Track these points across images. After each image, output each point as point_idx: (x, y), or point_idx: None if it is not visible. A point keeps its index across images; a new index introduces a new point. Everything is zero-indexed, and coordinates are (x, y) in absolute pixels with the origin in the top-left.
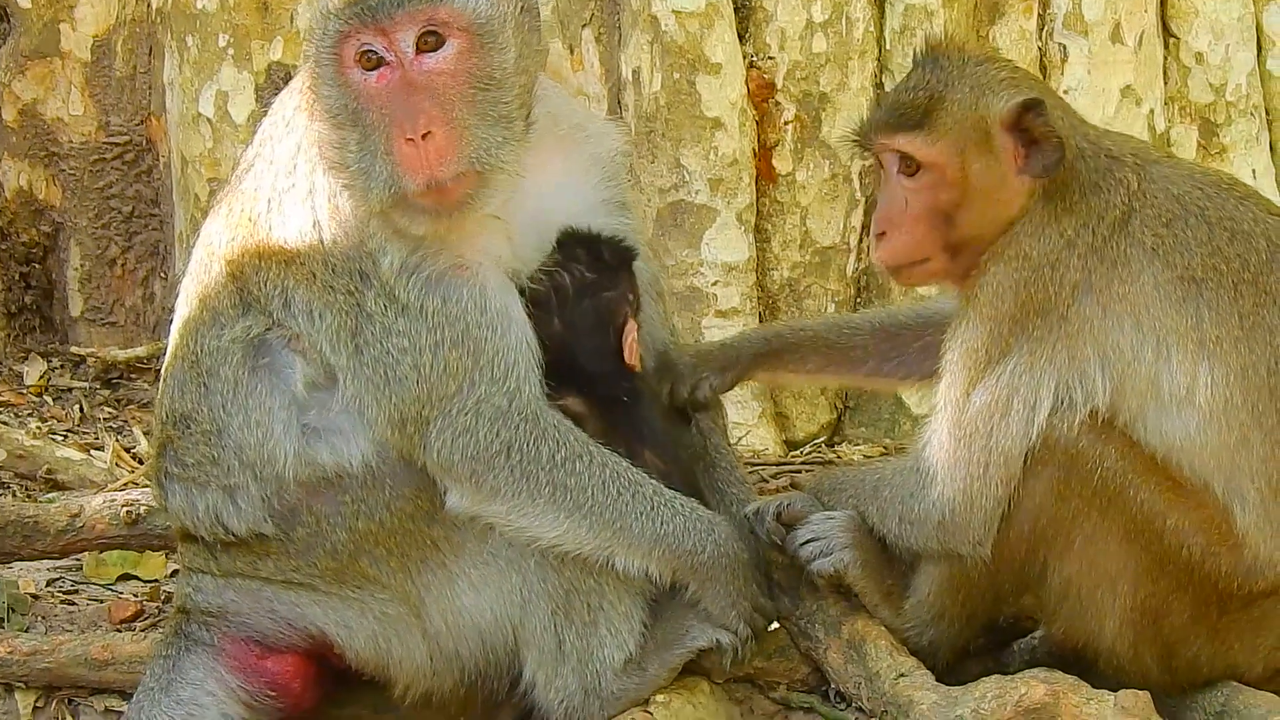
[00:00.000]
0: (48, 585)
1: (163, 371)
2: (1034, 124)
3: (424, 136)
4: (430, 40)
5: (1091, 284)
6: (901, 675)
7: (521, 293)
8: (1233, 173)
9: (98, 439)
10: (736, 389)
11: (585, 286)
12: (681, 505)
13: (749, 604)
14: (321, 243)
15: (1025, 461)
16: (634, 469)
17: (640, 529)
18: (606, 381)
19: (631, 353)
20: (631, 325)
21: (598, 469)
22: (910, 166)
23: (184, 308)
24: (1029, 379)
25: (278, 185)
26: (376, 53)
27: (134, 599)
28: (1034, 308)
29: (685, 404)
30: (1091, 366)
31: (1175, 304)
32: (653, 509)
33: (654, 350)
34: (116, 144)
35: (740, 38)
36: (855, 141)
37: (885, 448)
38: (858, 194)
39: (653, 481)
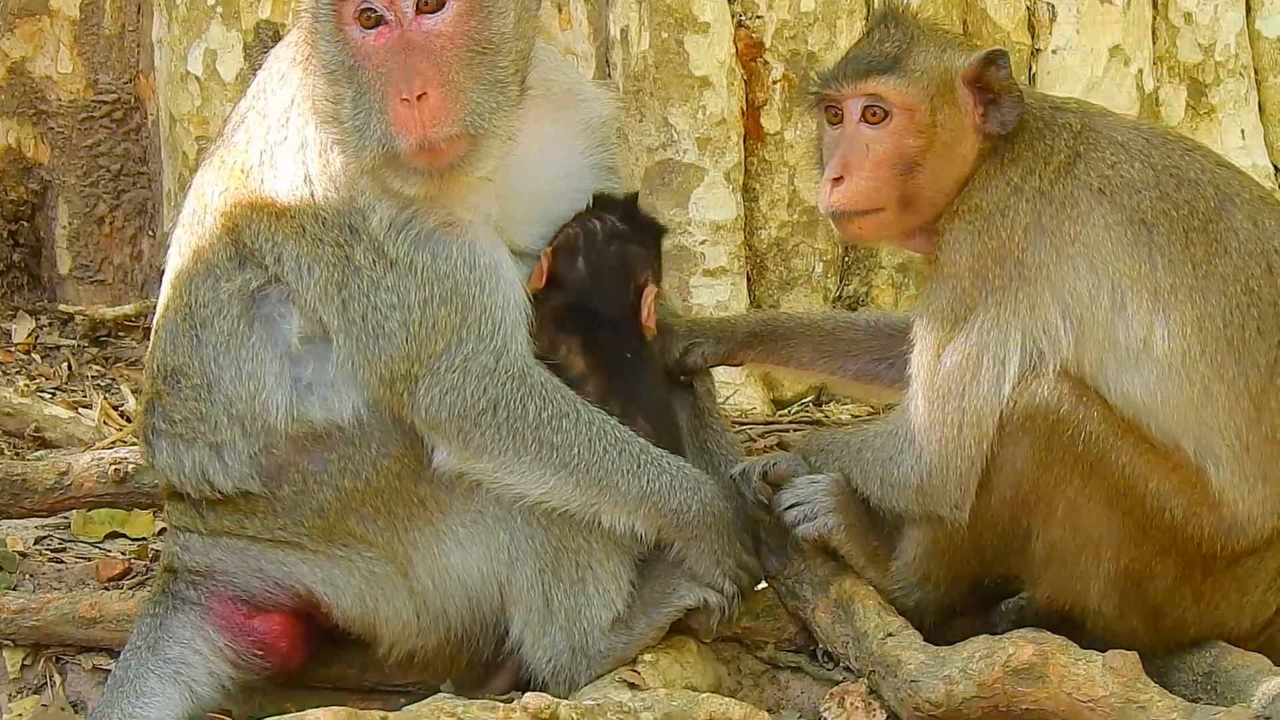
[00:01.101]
0: (36, 543)
1: (154, 325)
2: (996, 77)
3: (419, 97)
4: (430, 1)
5: (1043, 225)
6: (889, 635)
7: (514, 252)
8: (1221, 133)
9: (86, 397)
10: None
11: (615, 234)
12: (669, 463)
13: (733, 562)
14: (312, 197)
15: (1005, 428)
16: (621, 427)
17: (626, 486)
18: (618, 333)
19: (649, 314)
20: (652, 289)
21: (584, 426)
22: (877, 114)
23: (176, 259)
24: (996, 334)
25: (270, 138)
26: (376, 11)
27: (122, 557)
28: (990, 256)
29: (674, 366)
30: (1053, 314)
31: (1127, 247)
32: (639, 466)
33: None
34: (105, 102)
35: None
36: (818, 92)
37: (873, 408)
38: None
39: (640, 440)
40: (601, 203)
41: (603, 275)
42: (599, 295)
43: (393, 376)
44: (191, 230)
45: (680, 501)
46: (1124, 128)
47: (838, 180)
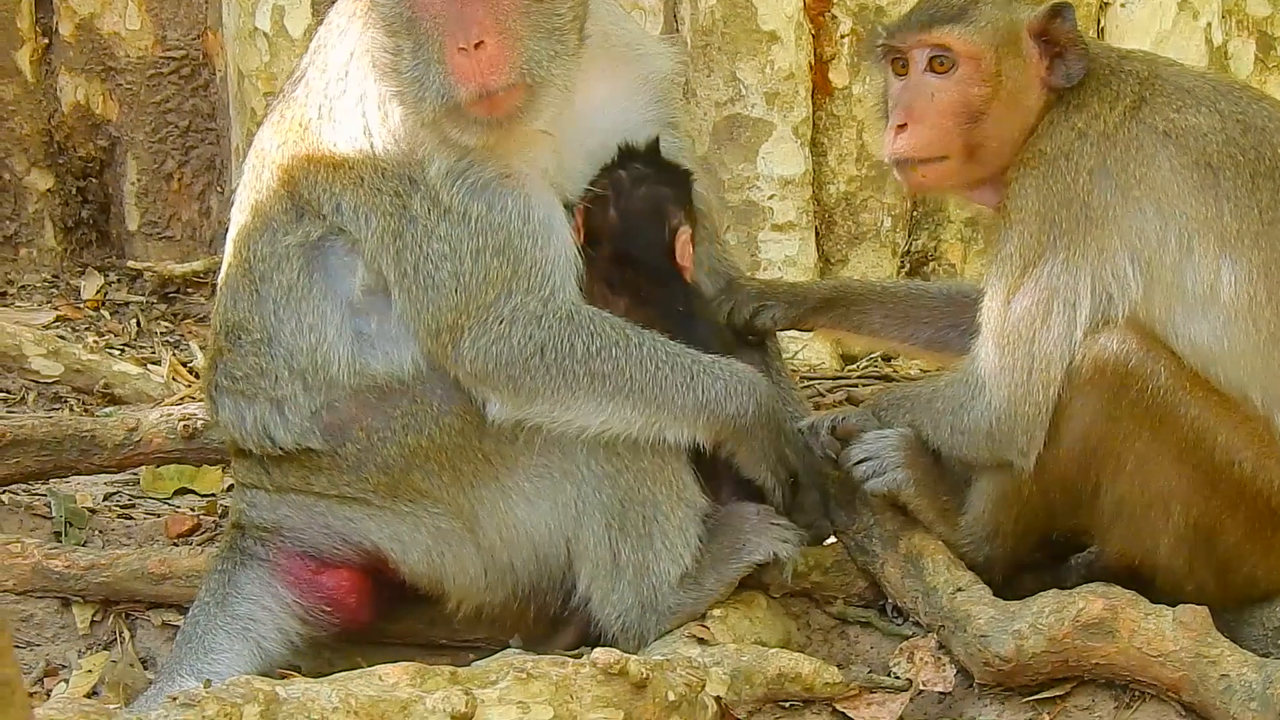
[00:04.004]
0: (105, 500)
1: (218, 283)
2: (1061, 29)
3: (476, 46)
4: None
5: (1108, 168)
6: (959, 590)
7: (567, 206)
8: None
9: (154, 353)
10: None
11: (642, 178)
12: (721, 369)
13: (776, 457)
14: (371, 148)
15: (1073, 381)
16: (672, 343)
17: (683, 400)
18: (661, 283)
19: (684, 255)
20: (685, 229)
21: (634, 349)
22: (943, 64)
23: (238, 216)
24: (1066, 278)
25: (329, 92)
26: None
27: (191, 513)
28: (1056, 199)
29: (743, 327)
30: (1121, 258)
31: (1193, 190)
32: (693, 378)
33: (717, 272)
34: (173, 58)
35: None
36: (885, 43)
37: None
38: None
39: (691, 352)
40: (625, 153)
41: (635, 221)
42: (634, 242)
43: (439, 327)
44: (252, 187)
45: (737, 406)
46: (1190, 75)
47: (901, 128)
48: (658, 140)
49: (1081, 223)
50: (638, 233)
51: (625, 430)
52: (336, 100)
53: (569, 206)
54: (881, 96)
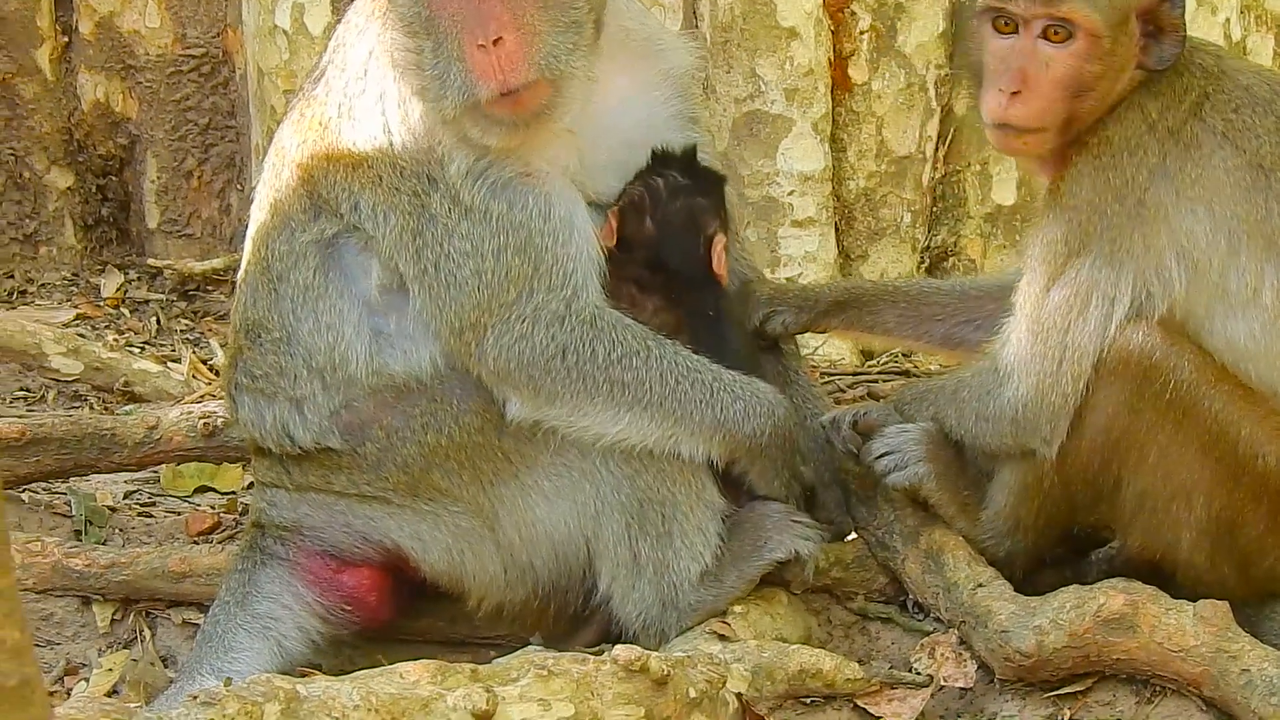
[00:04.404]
0: (125, 498)
1: (238, 281)
2: (1170, 14)
3: (495, 42)
4: None
5: (1167, 167)
6: (980, 585)
7: (590, 204)
8: None
9: (174, 351)
10: None
11: (679, 189)
12: (742, 389)
13: (789, 473)
14: (390, 146)
15: (1098, 372)
16: (694, 357)
17: (701, 416)
18: (694, 288)
19: (720, 263)
20: (720, 238)
21: (655, 361)
22: (1059, 33)
23: (257, 214)
24: (1109, 272)
25: (348, 90)
26: None
27: (211, 511)
28: (1112, 192)
29: (754, 333)
30: (1167, 257)
31: (1245, 191)
32: (712, 395)
33: (734, 271)
34: (193, 56)
35: None
36: (1000, 7)
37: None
38: (933, 103)
39: (713, 368)
40: (661, 158)
41: (672, 231)
42: (670, 251)
43: (462, 326)
44: (271, 185)
45: (754, 427)
46: (1250, 72)
47: (1015, 94)
48: (694, 147)
49: (1133, 218)
50: (674, 242)
51: (641, 441)
52: (356, 99)
53: (593, 205)
54: (971, 50)
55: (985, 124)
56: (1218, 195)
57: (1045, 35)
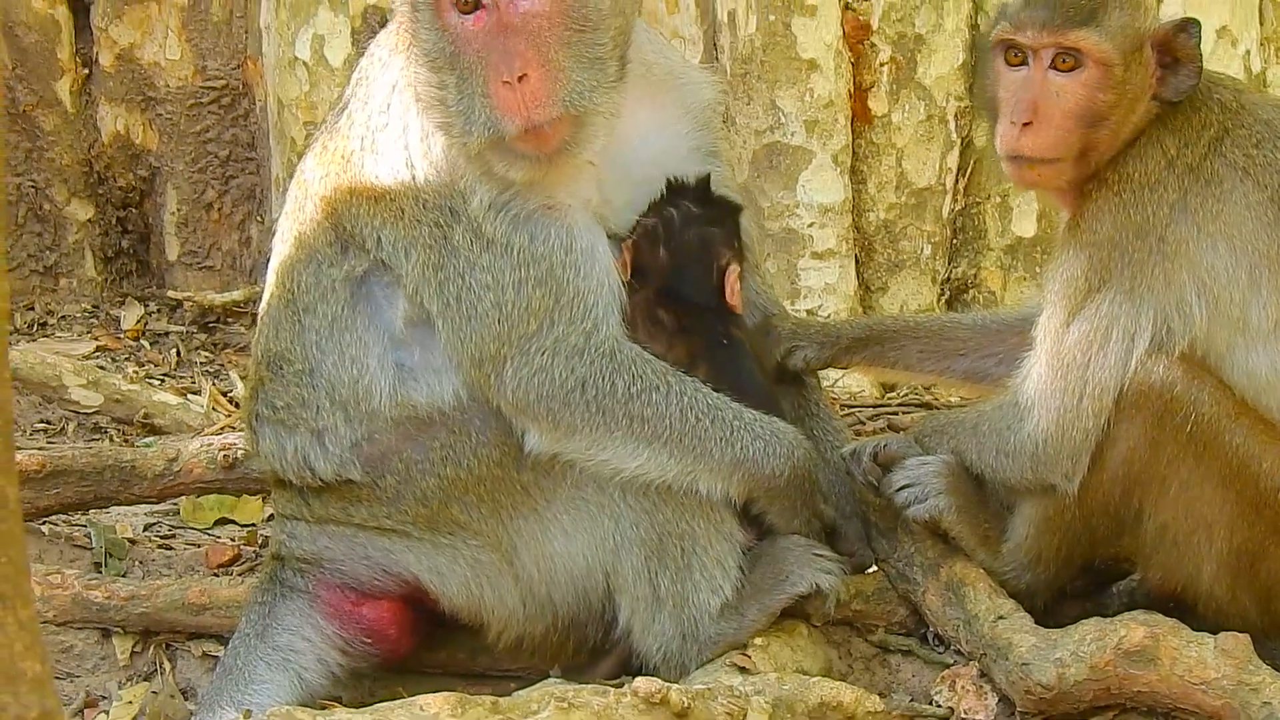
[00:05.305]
0: (145, 530)
1: (259, 313)
2: (1185, 45)
3: (520, 79)
4: None
5: (1187, 204)
6: (1000, 617)
7: (612, 237)
8: None
9: (194, 383)
10: None
11: (692, 218)
12: (762, 428)
13: (809, 512)
14: (413, 180)
15: (1119, 406)
16: (714, 395)
17: (720, 454)
18: (708, 318)
19: (733, 293)
20: (734, 268)
21: (675, 397)
22: (1068, 62)
23: (280, 246)
24: (1129, 308)
25: (371, 124)
26: None
27: (231, 543)
28: (1132, 229)
29: (775, 369)
30: (1188, 293)
31: (1266, 226)
32: (732, 433)
33: (754, 304)
34: (213, 88)
35: None
36: (1009, 39)
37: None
38: (953, 135)
39: (733, 406)
40: (675, 189)
41: (685, 262)
42: (684, 282)
43: (482, 357)
44: (294, 217)
45: (773, 468)
46: (1269, 106)
47: (1028, 125)
48: (708, 177)
49: (1154, 254)
50: (688, 273)
51: (659, 476)
52: (379, 133)
53: (614, 237)
54: (984, 84)
55: (1000, 156)
56: (1238, 230)
57: (1055, 65)
